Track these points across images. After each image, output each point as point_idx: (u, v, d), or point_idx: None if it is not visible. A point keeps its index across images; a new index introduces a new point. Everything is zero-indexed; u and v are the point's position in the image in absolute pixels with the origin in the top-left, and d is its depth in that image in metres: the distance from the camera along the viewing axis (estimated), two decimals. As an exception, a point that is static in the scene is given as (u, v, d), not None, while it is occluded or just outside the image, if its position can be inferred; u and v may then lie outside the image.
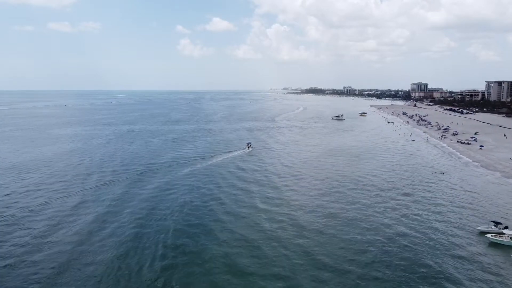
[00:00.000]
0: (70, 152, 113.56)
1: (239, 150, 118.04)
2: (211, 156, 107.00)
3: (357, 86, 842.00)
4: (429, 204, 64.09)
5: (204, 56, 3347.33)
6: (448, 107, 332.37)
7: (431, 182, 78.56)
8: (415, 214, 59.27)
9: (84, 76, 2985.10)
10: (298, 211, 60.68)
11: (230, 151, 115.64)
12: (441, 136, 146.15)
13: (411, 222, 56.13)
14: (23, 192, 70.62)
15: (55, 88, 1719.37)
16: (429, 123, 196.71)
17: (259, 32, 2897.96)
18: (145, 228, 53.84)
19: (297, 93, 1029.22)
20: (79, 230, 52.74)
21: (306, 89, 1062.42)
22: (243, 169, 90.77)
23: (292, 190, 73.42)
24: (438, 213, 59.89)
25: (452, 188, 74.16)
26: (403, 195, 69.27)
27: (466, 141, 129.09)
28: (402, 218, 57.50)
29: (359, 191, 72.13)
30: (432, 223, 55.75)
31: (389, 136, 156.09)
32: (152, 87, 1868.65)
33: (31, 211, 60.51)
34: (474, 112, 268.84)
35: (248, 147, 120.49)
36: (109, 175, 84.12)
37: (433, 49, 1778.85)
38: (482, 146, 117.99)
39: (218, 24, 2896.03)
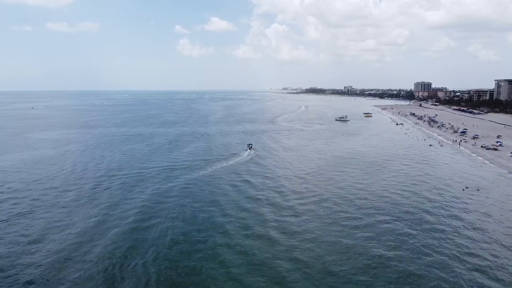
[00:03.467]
0: (46, 160, 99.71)
1: (240, 152, 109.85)
2: (210, 161, 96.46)
3: (357, 86, 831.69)
4: (484, 242, 48.55)
5: (203, 56, 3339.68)
6: (456, 107, 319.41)
7: (470, 203, 64.39)
8: (477, 258, 44.95)
9: (83, 77, 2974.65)
10: (325, 245, 46.80)
11: (230, 155, 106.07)
12: (460, 140, 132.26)
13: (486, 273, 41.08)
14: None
15: (54, 89, 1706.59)
16: (442, 125, 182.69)
17: (258, 32, 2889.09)
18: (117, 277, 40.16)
19: (297, 93, 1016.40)
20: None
21: (306, 89, 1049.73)
22: (247, 181, 77.12)
23: (311, 212, 59.26)
24: (500, 258, 45.22)
25: (504, 214, 58.81)
26: (449, 221, 55.00)
27: (492, 147, 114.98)
28: (463, 267, 43.15)
29: (395, 216, 57.25)
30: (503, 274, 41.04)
31: (402, 140, 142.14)
32: (151, 87, 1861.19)
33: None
34: (485, 113, 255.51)
35: (249, 149, 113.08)
36: (83, 188, 70.33)
37: (433, 48, 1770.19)
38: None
39: (217, 24, 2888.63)
